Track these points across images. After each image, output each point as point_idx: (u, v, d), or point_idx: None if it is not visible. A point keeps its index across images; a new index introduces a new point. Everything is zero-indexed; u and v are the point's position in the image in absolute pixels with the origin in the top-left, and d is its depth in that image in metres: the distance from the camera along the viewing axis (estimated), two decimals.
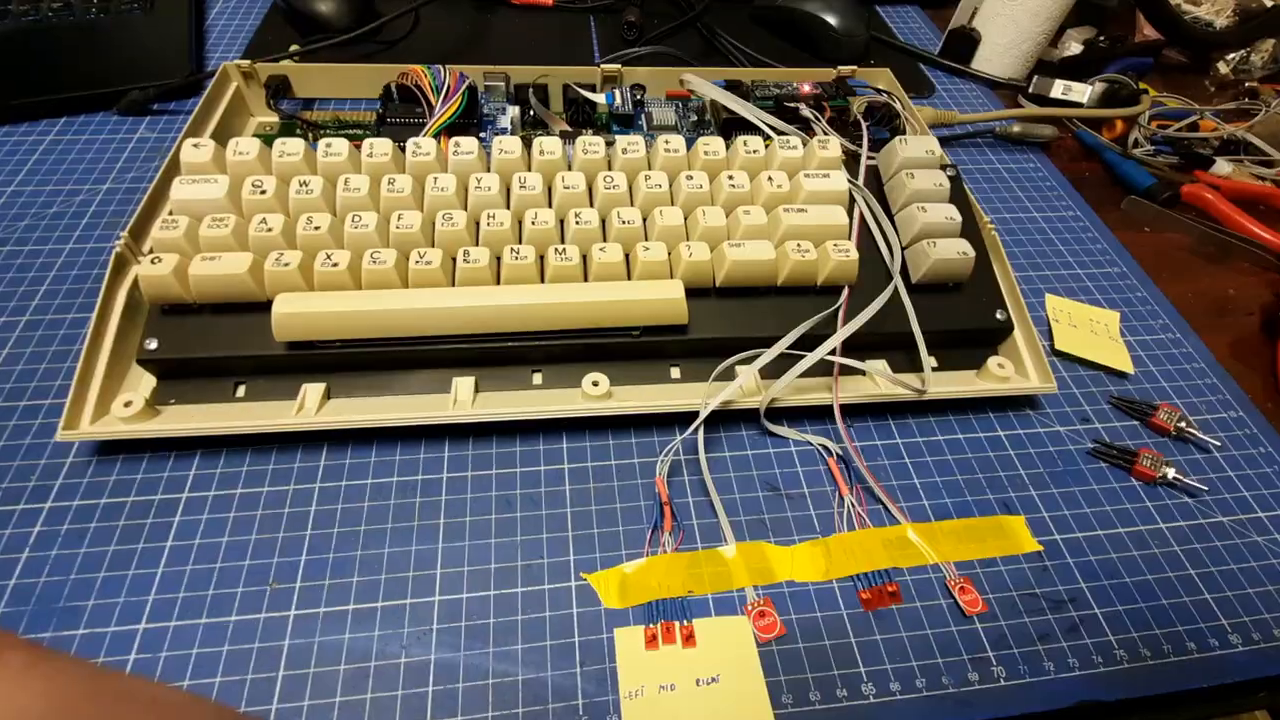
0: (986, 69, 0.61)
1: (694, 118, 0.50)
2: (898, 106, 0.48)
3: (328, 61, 0.51)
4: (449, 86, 0.43)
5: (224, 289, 0.32)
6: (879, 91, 0.50)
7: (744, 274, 0.34)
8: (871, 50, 0.62)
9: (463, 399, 0.33)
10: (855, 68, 0.51)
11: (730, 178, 0.37)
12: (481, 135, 0.46)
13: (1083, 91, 0.56)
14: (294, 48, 0.51)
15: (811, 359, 0.33)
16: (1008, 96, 0.60)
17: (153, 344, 0.32)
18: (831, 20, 0.61)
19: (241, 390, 0.33)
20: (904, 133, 0.48)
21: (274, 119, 0.48)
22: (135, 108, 0.49)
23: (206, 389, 0.33)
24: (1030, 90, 0.58)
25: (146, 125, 0.49)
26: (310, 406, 0.32)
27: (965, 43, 0.61)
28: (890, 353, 0.37)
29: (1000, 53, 0.60)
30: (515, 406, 0.33)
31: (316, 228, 0.33)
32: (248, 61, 0.46)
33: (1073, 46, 0.65)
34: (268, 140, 0.45)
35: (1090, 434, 0.36)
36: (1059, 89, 0.57)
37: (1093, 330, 0.41)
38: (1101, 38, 0.66)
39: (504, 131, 0.46)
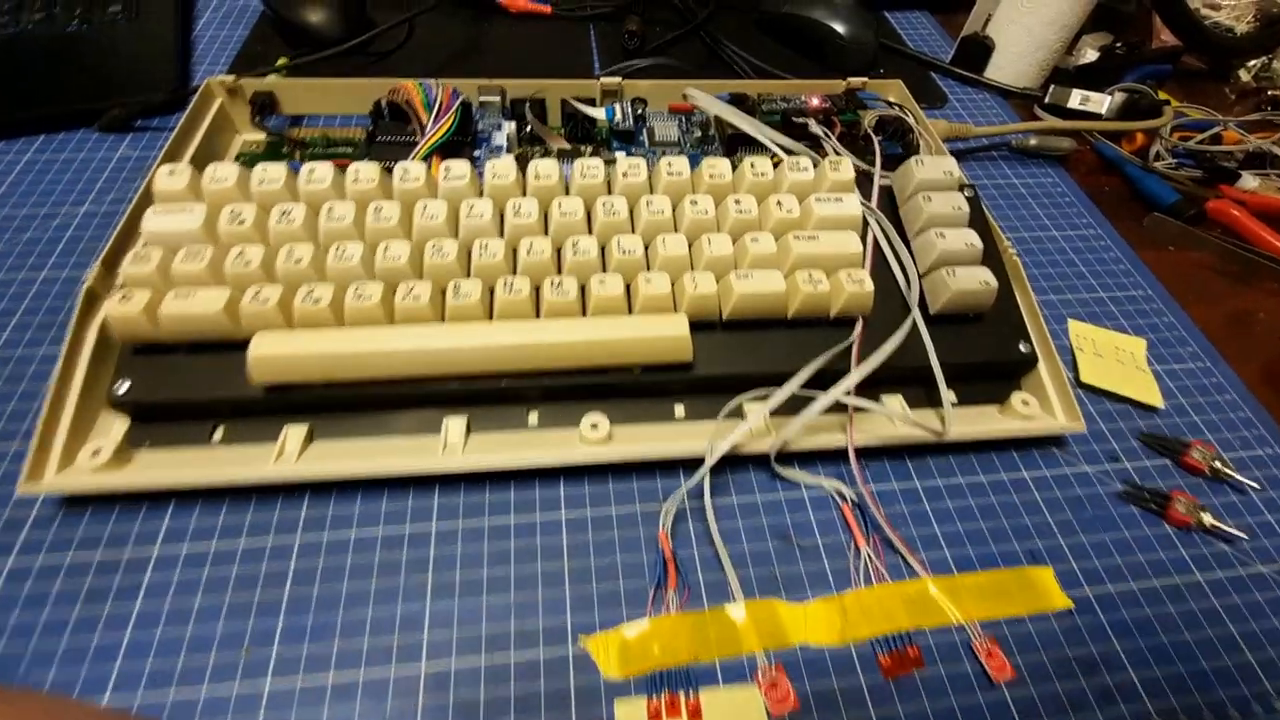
0: (1000, 78, 0.59)
1: (698, 133, 0.48)
2: (910, 120, 0.46)
3: (318, 74, 0.49)
4: (441, 103, 0.41)
5: (198, 328, 0.30)
6: (890, 104, 0.48)
7: (752, 307, 0.32)
8: (880, 58, 0.60)
9: (453, 442, 0.31)
10: (865, 79, 0.49)
11: (737, 202, 0.35)
12: (476, 154, 0.44)
13: (1101, 102, 0.54)
14: (281, 61, 0.49)
15: (825, 401, 0.31)
16: (1021, 106, 0.58)
17: (124, 386, 0.30)
18: (838, 28, 0.58)
19: (219, 433, 0.31)
20: (917, 148, 0.46)
21: (261, 137, 0.46)
22: (117, 124, 0.47)
23: (182, 432, 0.31)
24: (1046, 100, 0.56)
25: (129, 143, 0.47)
26: (291, 451, 0.30)
27: (978, 50, 0.59)
28: (907, 387, 0.35)
29: (1015, 61, 0.58)
30: (509, 452, 0.31)
31: (298, 260, 0.31)
32: (232, 77, 0.44)
33: (1088, 53, 0.63)
34: (252, 160, 0.44)
35: (1120, 475, 0.34)
36: (1076, 99, 0.55)
37: (1118, 359, 0.39)
38: (1118, 44, 0.63)
39: (499, 149, 0.44)
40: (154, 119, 0.49)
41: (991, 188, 0.50)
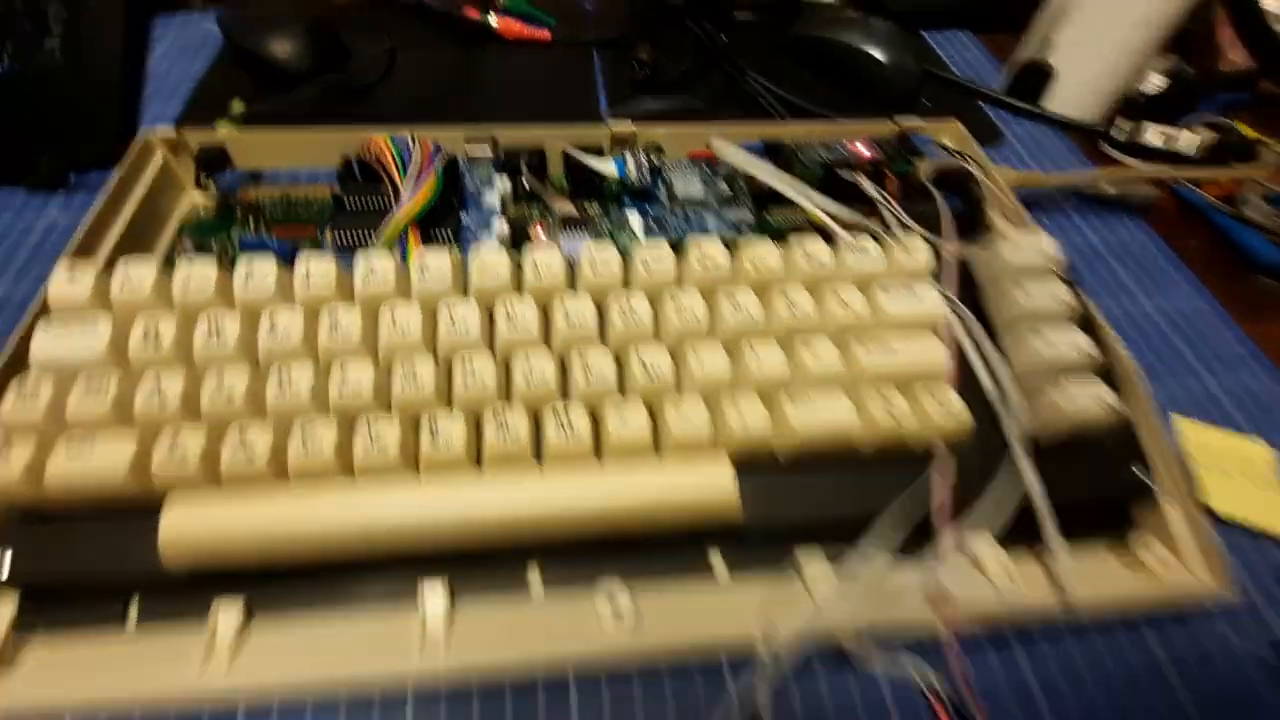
0: (1062, 109, 0.52)
1: (725, 187, 0.40)
2: (975, 170, 0.39)
3: (280, 120, 0.42)
4: (420, 165, 0.34)
5: (96, 492, 0.23)
6: (948, 150, 0.41)
7: (815, 445, 0.25)
8: (924, 87, 0.53)
9: (433, 630, 0.24)
10: (919, 120, 0.42)
11: (788, 299, 0.28)
12: (463, 215, 0.37)
13: (1189, 141, 0.47)
14: (237, 108, 0.42)
15: (914, 583, 0.24)
16: (1084, 143, 0.51)
17: (5, 561, 0.23)
18: (877, 54, 0.52)
19: (134, 611, 0.24)
20: (983, 203, 0.39)
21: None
22: (47, 182, 0.41)
23: (86, 610, 0.24)
24: (1116, 136, 0.49)
25: (61, 205, 0.40)
26: (223, 645, 0.23)
27: (1036, 78, 0.52)
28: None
29: (1079, 90, 0.51)
30: (506, 644, 0.24)
31: (229, 394, 0.24)
32: (174, 131, 0.37)
33: (1154, 79, 0.56)
34: (198, 229, 0.37)
35: (1270, 640, 0.27)
36: (1158, 136, 0.47)
37: (1244, 473, 0.32)
38: (1188, 68, 0.56)
39: (491, 213, 0.37)
40: (91, 172, 0.42)
41: (1066, 246, 0.43)
